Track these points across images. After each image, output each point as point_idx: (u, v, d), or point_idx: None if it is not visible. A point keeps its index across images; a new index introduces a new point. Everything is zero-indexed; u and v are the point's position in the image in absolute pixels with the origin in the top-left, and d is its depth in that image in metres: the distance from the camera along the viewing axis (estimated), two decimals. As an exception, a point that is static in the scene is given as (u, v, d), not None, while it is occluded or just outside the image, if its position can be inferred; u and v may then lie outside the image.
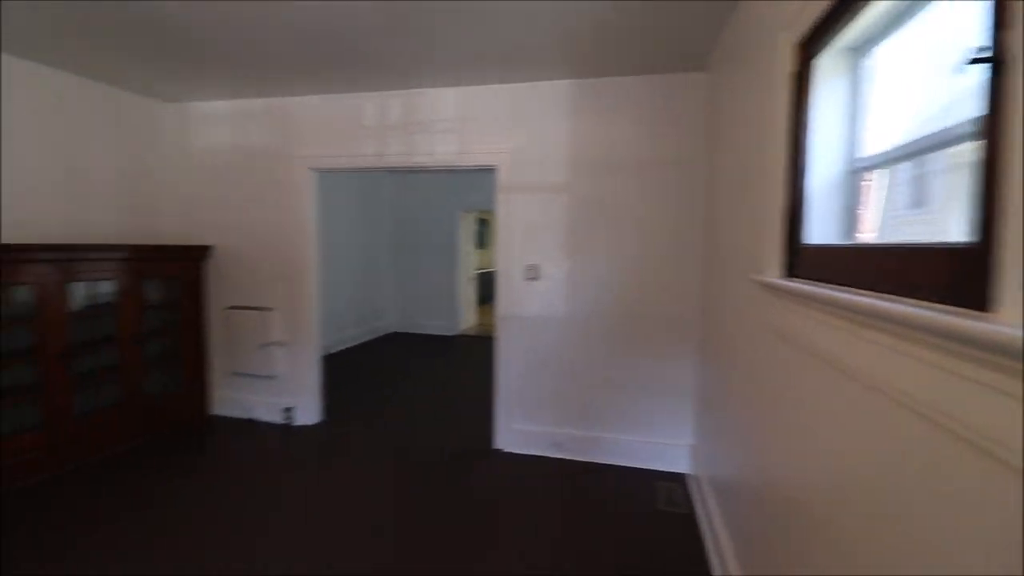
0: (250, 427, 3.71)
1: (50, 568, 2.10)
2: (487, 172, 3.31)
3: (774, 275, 1.52)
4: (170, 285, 3.63)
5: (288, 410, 3.74)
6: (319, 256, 3.75)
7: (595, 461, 3.21)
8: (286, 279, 3.68)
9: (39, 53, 2.84)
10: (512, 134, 3.17)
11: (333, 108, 3.47)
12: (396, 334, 7.51)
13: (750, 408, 1.83)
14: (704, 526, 2.45)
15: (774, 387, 1.55)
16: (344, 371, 5.13)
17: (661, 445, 3.11)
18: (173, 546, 2.27)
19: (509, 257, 3.25)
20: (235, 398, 3.87)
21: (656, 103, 2.98)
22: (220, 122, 3.72)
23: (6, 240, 2.81)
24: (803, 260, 1.40)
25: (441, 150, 3.28)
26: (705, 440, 2.74)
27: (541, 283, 3.22)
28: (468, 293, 8.03)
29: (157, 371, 3.56)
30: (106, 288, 3.21)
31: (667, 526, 2.51)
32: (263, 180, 3.66)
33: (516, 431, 3.35)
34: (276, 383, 3.78)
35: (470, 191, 7.29)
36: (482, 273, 9.69)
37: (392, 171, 3.24)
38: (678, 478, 3.00)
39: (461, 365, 5.75)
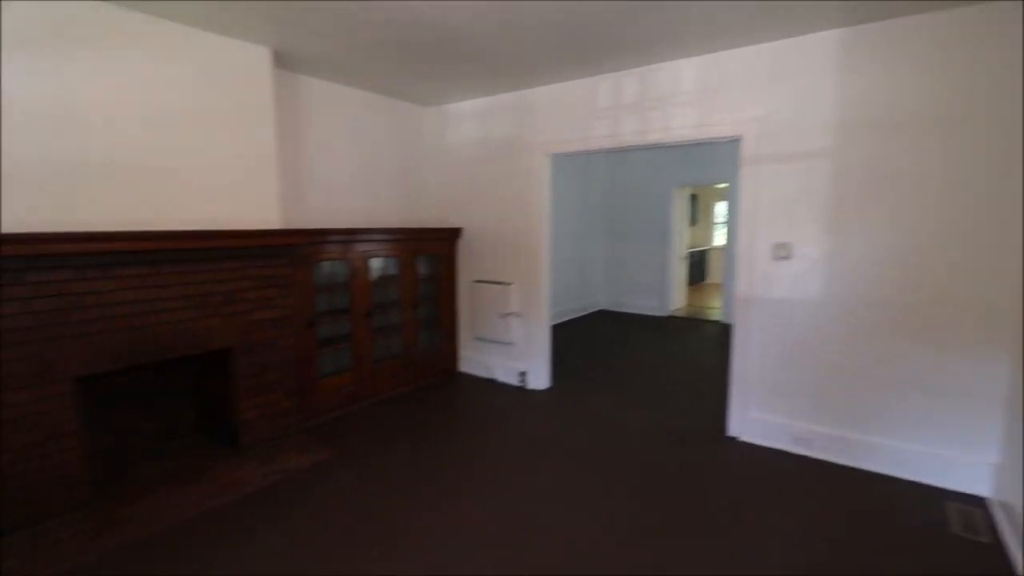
0: (490, 385, 4.23)
1: (372, 452, 2.76)
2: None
3: None
4: (432, 261, 4.33)
5: (522, 374, 4.16)
6: (550, 235, 4.03)
7: (850, 465, 2.84)
8: (522, 256, 4.05)
9: (337, 75, 3.59)
10: (762, 99, 2.91)
11: (568, 94, 3.65)
12: (604, 312, 7.66)
13: None
14: (1022, 566, 1.98)
15: None
16: (562, 343, 5.44)
17: (948, 459, 2.59)
18: (436, 467, 2.77)
19: (753, 235, 3.03)
20: (478, 359, 4.45)
21: (954, 45, 2.40)
22: (468, 119, 4.24)
23: (327, 226, 3.70)
24: None
25: (678, 124, 3.19)
26: (1024, 461, 2.19)
27: (792, 263, 2.93)
28: (679, 273, 7.73)
29: (424, 331, 4.31)
30: (391, 264, 3.98)
31: (968, 557, 2.10)
32: (504, 167, 4.07)
33: (754, 420, 3.15)
34: (512, 349, 4.23)
35: (685, 166, 6.95)
36: (693, 252, 9.22)
37: (624, 150, 3.27)
38: (974, 501, 2.47)
39: (676, 347, 5.60)
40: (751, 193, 3.01)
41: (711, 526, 2.30)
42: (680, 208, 7.47)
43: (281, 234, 2.98)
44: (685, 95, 3.17)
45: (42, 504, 2.26)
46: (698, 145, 6.85)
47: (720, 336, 6.10)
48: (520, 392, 4.08)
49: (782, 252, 2.94)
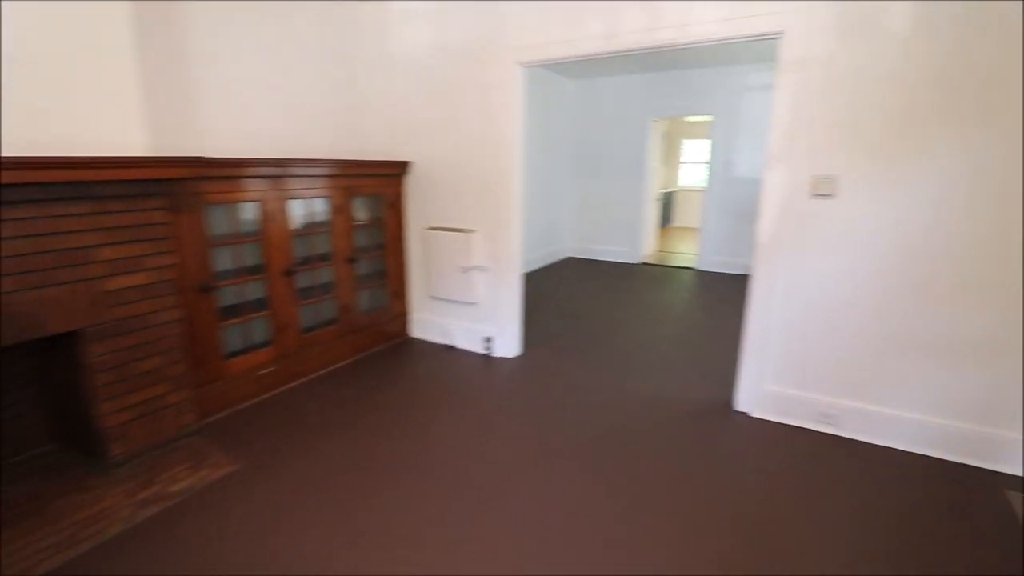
0: (450, 354, 3.53)
1: (297, 455, 2.04)
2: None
3: None
4: (374, 203, 3.46)
5: (488, 340, 3.47)
6: (525, 172, 3.23)
7: (884, 445, 2.38)
8: (488, 197, 3.26)
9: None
10: (813, -19, 2.16)
11: (546, -21, 2.76)
12: (573, 260, 7.02)
13: None
14: None
15: None
16: (530, 298, 4.77)
17: (1002, 439, 2.15)
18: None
19: (787, 164, 2.36)
20: (434, 322, 3.72)
21: None
22: (418, 18, 3.26)
23: (229, 155, 2.75)
24: None
25: (699, 17, 2.40)
26: None
27: (836, 203, 2.30)
28: (652, 216, 7.12)
29: (366, 290, 3.50)
30: (321, 207, 3.10)
31: (1067, 576, 1.65)
32: (465, 82, 3.18)
33: (769, 393, 2.63)
34: (476, 310, 3.51)
35: (662, 95, 6.18)
36: (664, 193, 8.63)
37: (625, 55, 2.46)
38: (1040, 491, 2.06)
39: (656, 299, 5.05)
40: (790, 110, 2.31)
41: (732, 527, 1.76)
42: (655, 143, 6.76)
43: (148, 163, 2.05)
44: (706, -23, 2.37)
45: None
46: (679, 71, 6.12)
47: (700, 285, 5.61)
48: (486, 361, 3.41)
49: (824, 188, 2.30)
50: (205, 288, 2.50)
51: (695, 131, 9.93)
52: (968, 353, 2.17)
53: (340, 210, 3.15)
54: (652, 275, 6.14)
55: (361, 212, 3.39)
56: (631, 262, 6.80)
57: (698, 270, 6.36)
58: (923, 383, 2.28)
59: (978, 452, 2.21)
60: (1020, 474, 2.15)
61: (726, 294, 5.18)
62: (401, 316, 3.79)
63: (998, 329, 2.10)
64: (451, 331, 3.64)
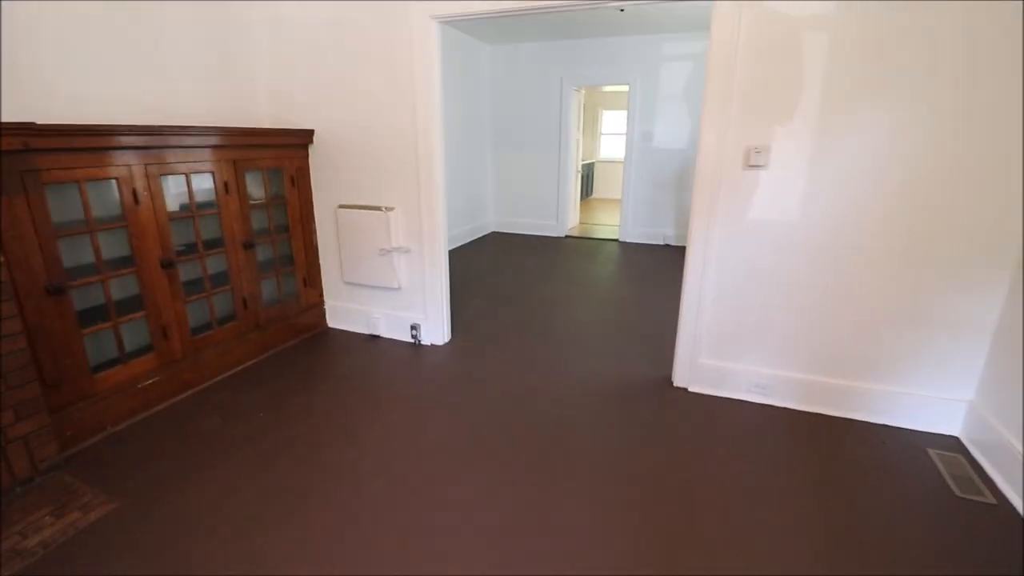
0: (373, 345, 3.23)
1: (189, 487, 1.71)
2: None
3: None
4: (273, 179, 3.02)
5: (415, 328, 3.20)
6: (445, 139, 2.94)
7: (816, 411, 2.45)
8: (407, 170, 2.94)
9: None
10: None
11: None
12: (496, 235, 6.82)
13: None
14: (1051, 534, 1.67)
15: None
16: (456, 277, 4.53)
17: (922, 399, 2.28)
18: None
19: (721, 134, 2.29)
20: (354, 311, 3.38)
21: None
22: (311, -42, 2.81)
23: (85, 120, 2.21)
24: None
25: (629, -28, 2.22)
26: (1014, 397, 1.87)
27: (768, 172, 2.27)
28: (575, 189, 7.06)
29: (270, 279, 3.08)
30: (205, 184, 2.62)
31: (984, 529, 1.75)
32: (375, 41, 2.80)
33: (705, 367, 2.62)
34: (400, 296, 3.22)
35: (581, 63, 6.04)
36: (585, 165, 8.61)
37: (549, 11, 2.24)
38: (951, 444, 2.20)
39: (584, 274, 5.00)
40: (723, 76, 2.22)
41: (680, 509, 1.70)
42: (576, 114, 6.64)
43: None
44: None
45: None
46: (597, 39, 5.97)
47: (625, 258, 5.64)
48: (414, 351, 3.15)
49: (757, 159, 2.26)
50: (55, 289, 2.00)
51: (614, 101, 9.97)
52: (886, 314, 2.25)
53: (230, 188, 2.69)
54: (577, 248, 6.10)
55: (257, 189, 2.94)
56: (556, 235, 6.72)
57: (622, 242, 6.42)
58: (845, 348, 2.35)
59: (901, 412, 2.33)
60: (935, 430, 2.29)
61: (651, 266, 5.24)
62: (317, 306, 3.40)
63: (909, 290, 2.18)
64: (374, 320, 3.32)
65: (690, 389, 2.67)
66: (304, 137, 3.07)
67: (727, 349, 2.57)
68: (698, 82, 5.51)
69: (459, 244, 6.12)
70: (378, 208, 3.04)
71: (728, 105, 2.24)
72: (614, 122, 10.37)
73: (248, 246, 2.82)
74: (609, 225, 7.48)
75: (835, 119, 2.11)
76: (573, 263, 5.39)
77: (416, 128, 2.84)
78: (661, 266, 5.22)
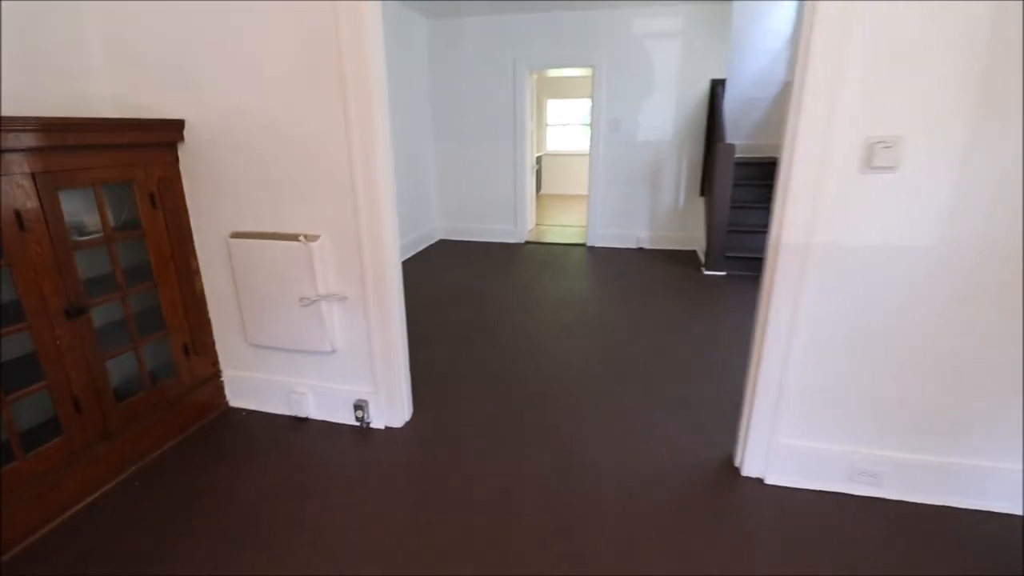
0: (298, 431, 2.22)
1: None
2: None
3: None
4: (118, 198, 1.91)
5: (360, 406, 2.22)
6: (391, 142, 1.98)
7: (949, 504, 1.77)
8: (338, 180, 1.95)
9: None
10: None
11: None
12: (445, 243, 5.84)
13: None
14: None
15: None
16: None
17: (1098, 485, 1.64)
18: None
19: (826, 121, 1.50)
20: (269, 383, 2.33)
21: None
22: None
23: None
24: None
25: None
26: None
27: (896, 177, 1.51)
28: (531, 187, 6.21)
29: (126, 354, 1.97)
30: (-31, 213, 1.50)
31: None
32: (280, 9, 1.77)
33: (789, 449, 1.86)
34: (335, 361, 2.22)
35: (536, 42, 5.17)
36: (536, 158, 7.79)
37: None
38: None
39: (566, 294, 4.15)
40: (830, 43, 1.42)
41: None
42: (531, 101, 5.77)
43: None
44: None
45: None
46: (555, 12, 5.06)
47: (604, 268, 4.84)
48: (360, 440, 2.17)
49: (883, 157, 1.49)
50: None
51: (563, 89, 9.17)
52: (1062, 379, 1.58)
53: (28, 220, 1.58)
54: (543, 257, 5.25)
55: (89, 217, 1.83)
56: (514, 241, 5.84)
57: (590, 246, 5.65)
58: (983, 418, 1.67)
59: (1057, 501, 1.68)
60: (1106, 523, 1.66)
61: (637, 278, 4.48)
62: (210, 380, 2.32)
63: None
64: (298, 396, 2.29)
65: (767, 481, 1.91)
66: (168, 132, 1.98)
67: (821, 423, 1.82)
68: (684, 63, 4.83)
69: (403, 256, 5.09)
70: (294, 237, 2.01)
71: (838, 82, 1.45)
72: (561, 111, 9.62)
73: (75, 312, 1.72)
74: (569, 226, 6.72)
75: (1005, 102, 1.37)
76: (544, 277, 4.53)
77: (348, 117, 1.85)
78: (648, 277, 4.49)
